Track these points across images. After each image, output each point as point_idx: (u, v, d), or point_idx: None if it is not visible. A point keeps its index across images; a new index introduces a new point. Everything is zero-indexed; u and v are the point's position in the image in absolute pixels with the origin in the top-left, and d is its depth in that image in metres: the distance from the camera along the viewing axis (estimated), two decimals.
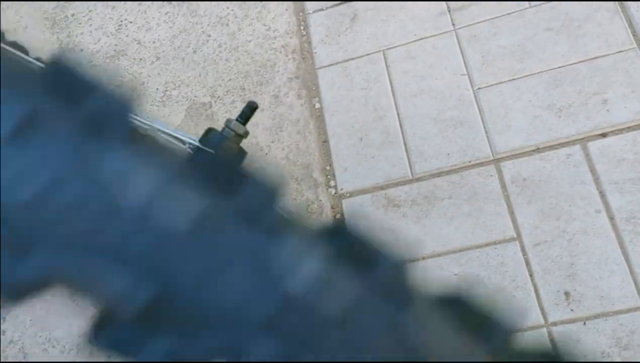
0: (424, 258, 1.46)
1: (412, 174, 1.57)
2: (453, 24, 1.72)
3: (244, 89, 1.79)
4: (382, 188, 1.57)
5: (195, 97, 1.80)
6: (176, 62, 1.88)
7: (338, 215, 1.54)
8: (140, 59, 1.93)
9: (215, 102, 1.80)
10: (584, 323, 1.33)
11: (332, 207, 1.58)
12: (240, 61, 1.84)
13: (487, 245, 1.44)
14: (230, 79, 1.82)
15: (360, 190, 1.58)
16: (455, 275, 1.43)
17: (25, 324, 1.54)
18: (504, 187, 1.50)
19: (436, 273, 1.44)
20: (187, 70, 1.85)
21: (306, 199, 1.60)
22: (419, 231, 1.50)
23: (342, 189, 1.59)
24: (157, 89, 1.86)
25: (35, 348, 1.51)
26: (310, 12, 1.86)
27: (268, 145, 1.70)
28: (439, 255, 1.46)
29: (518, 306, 1.39)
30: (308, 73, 1.78)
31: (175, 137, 0.79)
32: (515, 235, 1.44)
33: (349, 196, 1.57)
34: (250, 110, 0.83)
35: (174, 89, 1.84)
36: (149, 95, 1.83)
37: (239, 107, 1.72)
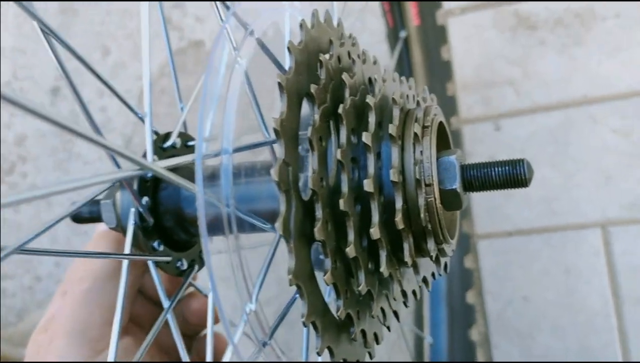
0: (567, 105, 1.04)
1: None
2: None
3: None
4: (510, 0, 1.08)
5: None
6: None
7: None
8: None
9: None
10: None
11: None
12: None
13: None
14: None
15: (478, 4, 1.10)
16: (614, 131, 1.01)
17: None
18: None
19: (585, 127, 1.03)
20: None
21: None
22: (564, 65, 1.05)
23: (449, 3, 1.12)
24: None
25: None
26: None
27: None
28: (592, 101, 1.03)
29: None
30: None
31: None
32: None
33: (461, 13, 1.11)
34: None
35: None
36: None
37: None
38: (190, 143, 0.50)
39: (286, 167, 0.34)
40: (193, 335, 0.56)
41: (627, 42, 1.00)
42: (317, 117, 0.36)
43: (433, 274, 0.44)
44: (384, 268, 0.37)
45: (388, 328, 0.44)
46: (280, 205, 0.33)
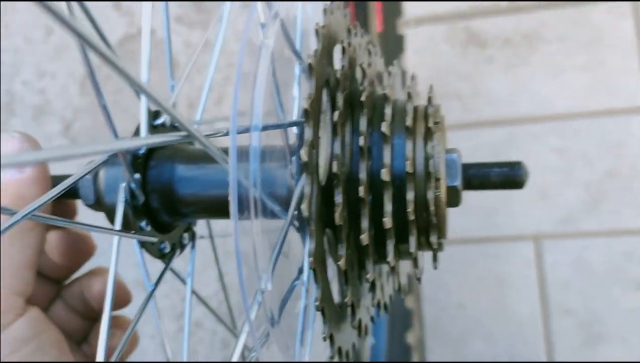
0: (511, 122, 1.09)
1: (509, 1, 1.11)
2: None
3: None
4: (462, 16, 1.12)
5: None
6: None
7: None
8: None
9: None
10: None
11: None
12: None
13: (604, 113, 1.05)
14: None
15: (432, 17, 1.14)
16: (552, 150, 1.07)
17: None
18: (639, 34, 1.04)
19: (526, 144, 1.09)
20: None
21: None
22: (510, 84, 1.10)
23: (406, 13, 1.14)
24: None
25: None
26: None
27: None
28: (535, 120, 1.08)
29: None
30: None
31: None
32: None
33: (415, 24, 1.14)
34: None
35: None
36: None
37: None
38: (172, 118, 0.49)
39: (312, 149, 0.34)
40: (95, 319, 0.51)
41: (568, 66, 1.07)
42: (341, 103, 0.36)
43: (422, 269, 0.45)
44: (391, 258, 0.38)
45: (372, 319, 0.45)
46: (306, 187, 0.33)
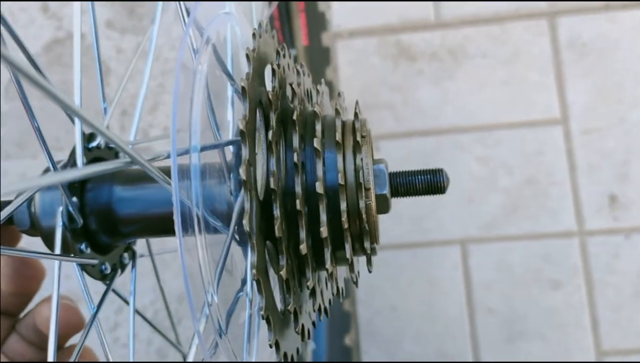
0: (439, 132, 1.15)
1: (436, 16, 1.16)
2: None
3: None
4: (393, 31, 1.17)
5: None
6: None
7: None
8: None
9: None
10: (626, 237, 1.09)
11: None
12: None
13: (523, 125, 1.12)
14: None
15: (364, 30, 1.18)
16: (476, 159, 1.13)
17: None
18: (556, 51, 1.12)
19: (452, 153, 1.14)
20: None
21: None
22: (438, 96, 1.15)
23: (339, 25, 1.18)
24: None
25: None
26: None
27: None
28: (461, 130, 1.14)
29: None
30: None
31: None
32: (560, 117, 1.12)
33: (348, 37, 1.18)
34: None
35: None
36: None
37: None
38: (113, 145, 0.50)
39: (250, 167, 0.36)
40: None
41: (491, 80, 1.13)
42: (274, 123, 0.38)
43: (358, 273, 0.48)
44: (329, 265, 0.40)
45: (314, 324, 0.47)
46: (245, 203, 0.35)
